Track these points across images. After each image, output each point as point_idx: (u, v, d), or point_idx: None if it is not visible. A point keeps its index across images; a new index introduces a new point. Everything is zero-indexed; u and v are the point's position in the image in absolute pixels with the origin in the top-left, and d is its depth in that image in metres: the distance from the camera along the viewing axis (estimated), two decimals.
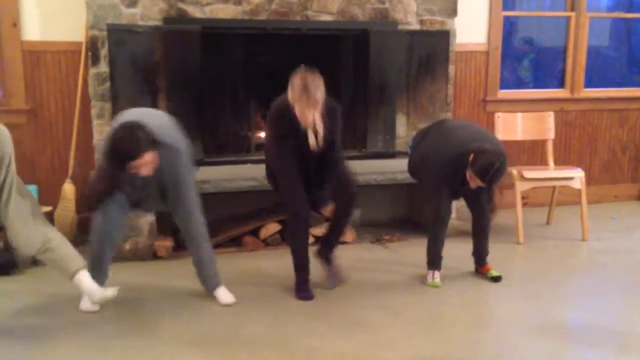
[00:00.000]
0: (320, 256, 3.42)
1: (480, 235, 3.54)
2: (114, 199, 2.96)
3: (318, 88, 3.00)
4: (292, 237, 3.29)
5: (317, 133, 3.04)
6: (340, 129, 3.24)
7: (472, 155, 3.13)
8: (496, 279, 3.47)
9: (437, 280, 3.40)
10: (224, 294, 3.17)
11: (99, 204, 2.95)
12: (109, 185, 2.90)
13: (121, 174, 2.88)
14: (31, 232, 2.78)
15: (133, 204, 3.08)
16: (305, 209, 3.21)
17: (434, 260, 3.44)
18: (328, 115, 3.09)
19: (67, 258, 2.88)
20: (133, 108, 3.18)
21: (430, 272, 3.43)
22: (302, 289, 3.24)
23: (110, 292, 2.95)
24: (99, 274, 3.03)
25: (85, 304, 3.03)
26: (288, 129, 3.08)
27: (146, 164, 2.82)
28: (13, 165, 2.74)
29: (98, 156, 2.97)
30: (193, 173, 3.15)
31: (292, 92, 3.02)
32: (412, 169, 3.58)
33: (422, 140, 3.50)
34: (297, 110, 3.01)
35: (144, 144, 2.79)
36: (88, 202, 3.01)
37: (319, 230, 4.05)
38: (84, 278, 2.90)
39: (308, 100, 2.97)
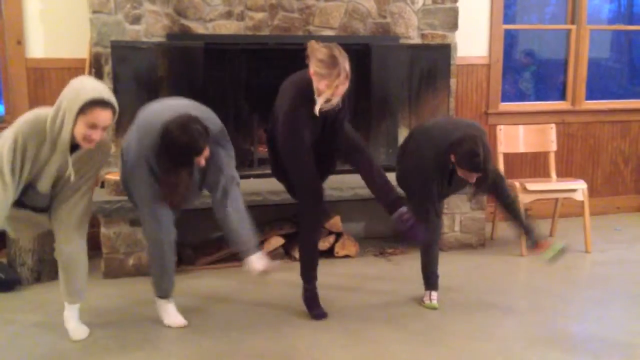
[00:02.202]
0: (389, 209, 3.13)
1: (512, 214, 3.29)
2: (160, 204, 2.88)
3: (346, 59, 2.79)
4: (307, 227, 3.10)
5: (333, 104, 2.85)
6: (346, 107, 3.08)
7: (452, 155, 3.00)
8: (563, 250, 3.22)
9: (435, 302, 3.31)
10: (258, 259, 2.99)
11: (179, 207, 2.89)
12: (187, 186, 2.82)
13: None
14: (74, 243, 2.78)
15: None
16: (321, 188, 3.04)
17: (429, 280, 3.35)
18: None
19: (80, 279, 2.88)
20: (158, 102, 3.08)
21: (428, 293, 3.34)
22: (314, 305, 3.16)
23: (83, 334, 2.93)
24: (168, 283, 3.04)
25: (170, 320, 3.06)
26: (308, 113, 2.86)
27: (206, 156, 2.79)
28: (93, 180, 2.80)
29: (131, 157, 2.85)
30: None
31: (318, 67, 2.77)
32: (399, 182, 3.42)
33: (403, 152, 3.37)
34: (324, 85, 2.76)
35: (205, 136, 2.75)
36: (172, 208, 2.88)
37: (322, 244, 4.05)
38: (74, 315, 2.93)
39: (339, 74, 2.74)
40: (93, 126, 2.54)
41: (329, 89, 2.77)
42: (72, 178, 2.64)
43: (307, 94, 2.86)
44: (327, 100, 2.81)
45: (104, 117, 2.54)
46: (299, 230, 3.13)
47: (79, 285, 2.89)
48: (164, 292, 3.07)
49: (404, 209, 3.05)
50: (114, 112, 2.59)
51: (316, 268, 3.19)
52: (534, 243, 3.28)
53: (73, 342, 2.88)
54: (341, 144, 3.12)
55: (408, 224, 3.03)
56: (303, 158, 2.96)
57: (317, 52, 2.82)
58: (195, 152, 2.75)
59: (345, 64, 2.78)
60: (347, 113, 3.12)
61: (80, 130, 2.53)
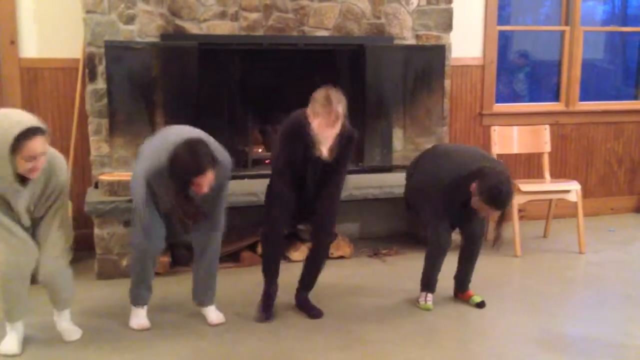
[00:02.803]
0: (298, 304, 3.29)
1: (468, 260, 3.38)
2: (152, 214, 2.91)
3: (340, 102, 2.90)
4: (265, 240, 3.19)
5: (330, 150, 2.96)
6: (348, 161, 3.17)
7: (475, 184, 2.97)
8: (480, 305, 3.31)
9: (430, 303, 3.29)
10: (214, 313, 3.15)
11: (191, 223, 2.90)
12: (190, 205, 2.82)
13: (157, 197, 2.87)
14: (51, 259, 2.77)
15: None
16: (280, 229, 3.15)
17: (429, 284, 3.33)
18: (343, 140, 2.99)
19: (65, 291, 2.89)
20: (171, 126, 3.15)
21: (423, 294, 3.33)
22: (265, 306, 3.17)
23: (76, 335, 2.94)
24: (145, 292, 3.07)
25: (135, 323, 3.07)
26: (298, 148, 2.99)
27: (209, 181, 2.77)
28: (64, 196, 2.79)
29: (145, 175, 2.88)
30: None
31: (313, 105, 2.91)
32: (409, 199, 3.43)
33: (416, 167, 3.37)
34: (315, 124, 2.90)
35: (210, 160, 2.75)
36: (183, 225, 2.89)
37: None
38: (65, 318, 2.93)
39: (329, 114, 2.86)
40: (31, 159, 2.51)
41: (320, 127, 2.89)
42: (32, 208, 2.70)
43: (299, 129, 2.97)
44: (319, 148, 2.93)
45: (37, 145, 2.50)
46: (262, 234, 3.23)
47: (65, 296, 2.90)
48: (136, 301, 3.08)
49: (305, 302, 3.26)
50: (45, 134, 2.55)
51: (276, 271, 3.20)
52: (463, 293, 3.41)
53: (66, 344, 2.87)
54: (317, 196, 3.16)
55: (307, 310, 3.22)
56: (277, 198, 3.08)
57: (316, 93, 2.94)
58: (195, 172, 2.72)
59: (338, 107, 2.88)
60: (344, 166, 3.14)
61: (22, 166, 2.52)
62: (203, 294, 3.16)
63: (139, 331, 3.02)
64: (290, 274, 3.30)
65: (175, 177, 2.75)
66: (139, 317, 3.07)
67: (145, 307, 3.10)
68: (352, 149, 3.14)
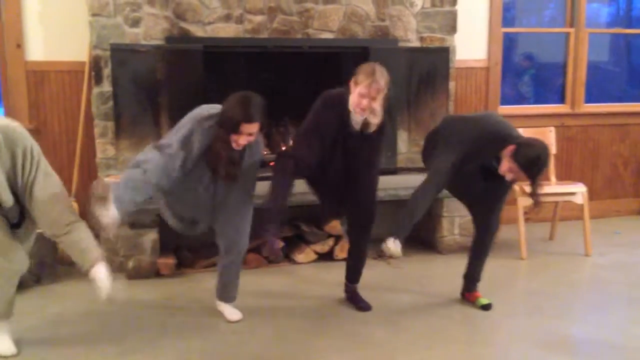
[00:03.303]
0: (347, 297, 3.36)
1: (479, 255, 3.33)
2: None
3: (384, 78, 2.87)
4: (277, 171, 3.00)
5: (367, 124, 2.92)
6: (380, 152, 3.14)
7: (512, 147, 2.92)
8: (486, 307, 3.28)
9: (399, 248, 2.92)
10: (231, 310, 3.17)
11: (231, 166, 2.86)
12: (230, 159, 2.82)
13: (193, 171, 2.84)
14: (57, 209, 2.70)
15: (185, 223, 3.05)
16: (304, 159, 2.96)
17: (403, 228, 2.99)
18: (378, 127, 2.96)
19: (86, 247, 2.73)
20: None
21: (392, 238, 2.94)
22: (274, 247, 3.11)
23: (122, 293, 2.88)
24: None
25: (232, 315, 3.11)
26: (331, 119, 2.93)
27: (251, 135, 2.79)
28: (37, 156, 2.68)
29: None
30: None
31: (358, 73, 2.88)
32: (426, 151, 3.31)
33: (446, 123, 3.25)
34: (357, 93, 2.85)
35: (261, 113, 2.80)
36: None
37: (321, 247, 4.05)
38: (101, 271, 2.70)
39: (371, 85, 2.82)
40: None
41: (355, 96, 2.85)
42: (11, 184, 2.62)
43: (339, 108, 2.92)
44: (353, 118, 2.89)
45: None
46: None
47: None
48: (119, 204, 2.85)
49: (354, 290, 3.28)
50: None
51: (283, 209, 2.97)
52: (470, 292, 3.37)
53: (69, 347, 2.87)
54: (356, 200, 3.12)
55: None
56: (283, 170, 2.97)
57: (363, 65, 2.92)
58: (246, 118, 2.74)
59: (381, 79, 2.85)
60: (377, 157, 3.10)
61: None
62: (230, 290, 3.18)
63: (141, 333, 3.02)
64: (295, 276, 3.30)
65: (225, 120, 2.77)
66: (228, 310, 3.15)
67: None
68: (386, 134, 3.08)
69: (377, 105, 2.88)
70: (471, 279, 3.39)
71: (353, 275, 3.35)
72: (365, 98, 2.84)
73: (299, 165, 2.94)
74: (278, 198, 2.91)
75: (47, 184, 2.70)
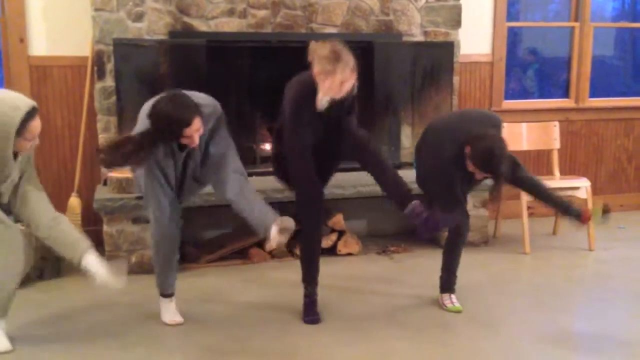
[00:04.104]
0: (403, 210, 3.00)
1: (449, 255, 3.27)
2: (165, 195, 2.86)
3: (349, 53, 2.73)
4: (306, 227, 2.99)
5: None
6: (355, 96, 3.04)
7: (468, 147, 2.91)
8: (605, 210, 3.21)
9: (457, 304, 3.21)
10: (278, 232, 2.87)
11: (115, 163, 2.73)
12: (147, 151, 2.68)
13: (159, 162, 2.81)
14: (42, 206, 2.75)
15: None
16: (320, 190, 2.97)
17: (449, 283, 3.23)
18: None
19: (75, 237, 2.77)
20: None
21: (447, 295, 3.22)
22: (311, 311, 3.10)
23: (120, 281, 2.78)
24: (171, 275, 3.04)
25: (168, 318, 3.07)
26: (311, 113, 2.84)
27: (197, 130, 2.71)
28: (32, 160, 2.79)
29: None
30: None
31: (322, 64, 2.70)
32: (420, 183, 3.33)
33: (421, 151, 3.27)
34: (329, 83, 2.70)
35: (194, 108, 2.69)
36: (106, 156, 2.68)
37: (324, 242, 4.05)
38: (92, 259, 2.74)
39: (344, 69, 2.68)
40: (33, 137, 2.61)
41: (334, 85, 2.72)
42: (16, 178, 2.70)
43: (309, 93, 2.82)
44: (331, 98, 2.78)
45: (38, 126, 2.60)
46: (301, 230, 3.07)
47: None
48: (164, 289, 3.07)
49: (416, 202, 2.91)
50: (38, 113, 2.61)
51: (317, 270, 3.10)
52: (578, 217, 3.23)
53: (71, 341, 2.88)
54: (347, 143, 3.05)
55: (422, 217, 2.89)
56: (302, 158, 2.92)
57: (318, 51, 2.76)
58: (184, 123, 2.65)
59: (349, 58, 2.73)
60: (354, 110, 3.08)
61: (23, 146, 2.60)
62: (269, 217, 2.88)
63: (143, 327, 3.02)
64: (298, 271, 3.29)
65: (163, 133, 2.68)
66: (170, 312, 3.07)
67: (174, 299, 3.10)
68: (355, 87, 2.95)
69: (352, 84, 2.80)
70: (566, 207, 3.28)
71: (397, 190, 3.02)
72: (346, 82, 2.73)
73: (321, 197, 2.97)
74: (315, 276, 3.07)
75: (33, 180, 2.77)
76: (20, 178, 2.72)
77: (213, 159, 2.92)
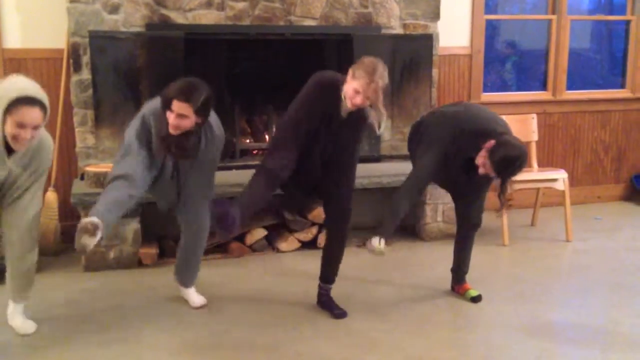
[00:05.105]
0: (321, 302, 3.19)
1: (462, 248, 3.33)
2: (140, 155, 2.85)
3: (383, 78, 2.77)
4: (250, 185, 2.89)
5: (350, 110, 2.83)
6: (361, 141, 3.08)
7: (492, 142, 2.87)
8: (475, 299, 3.26)
9: (383, 246, 2.89)
10: (196, 296, 3.21)
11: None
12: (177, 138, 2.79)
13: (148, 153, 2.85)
14: (28, 247, 2.76)
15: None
16: (281, 168, 2.85)
17: (387, 228, 2.97)
18: (361, 119, 2.90)
19: (26, 281, 2.85)
20: None
21: (377, 238, 2.90)
22: (333, 305, 3.12)
23: (29, 329, 2.88)
24: (101, 205, 2.78)
25: (197, 301, 3.15)
26: (321, 107, 2.84)
27: (182, 114, 2.71)
28: (44, 179, 2.76)
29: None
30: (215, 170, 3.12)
31: (357, 67, 2.76)
32: (411, 143, 3.27)
33: (433, 113, 3.20)
34: (352, 87, 2.75)
35: (198, 95, 2.74)
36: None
37: (304, 235, 4.05)
38: (18, 312, 2.88)
39: (369, 84, 2.72)
40: (21, 125, 2.46)
41: (350, 89, 2.76)
42: (6, 185, 2.65)
43: (332, 89, 2.83)
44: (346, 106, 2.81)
45: (31, 115, 2.46)
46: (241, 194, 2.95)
47: (30, 288, 2.88)
48: (93, 212, 2.79)
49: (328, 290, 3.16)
50: (43, 111, 2.52)
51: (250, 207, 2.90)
52: (460, 285, 3.36)
53: (50, 337, 2.85)
54: (332, 184, 3.01)
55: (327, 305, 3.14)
56: (284, 145, 2.87)
57: (363, 59, 2.82)
58: (180, 95, 2.71)
59: (380, 80, 2.76)
60: (357, 146, 3.04)
61: (10, 130, 2.47)
62: (191, 275, 3.21)
63: (123, 322, 3.00)
64: (279, 264, 3.30)
65: (162, 97, 2.77)
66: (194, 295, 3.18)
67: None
68: (364, 129, 2.99)
69: (380, 104, 2.81)
70: (458, 272, 3.39)
71: (329, 273, 3.17)
72: (359, 95, 2.76)
73: (281, 177, 2.88)
74: (250, 207, 2.87)
75: (35, 202, 2.75)
76: (25, 190, 2.68)
77: (191, 189, 3.00)
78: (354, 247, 4.18)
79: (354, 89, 2.75)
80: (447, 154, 3.01)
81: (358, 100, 2.76)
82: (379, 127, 2.90)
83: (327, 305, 3.15)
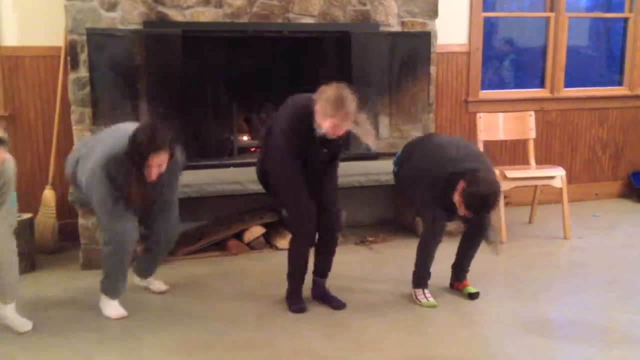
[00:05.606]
0: (316, 296, 3.23)
1: (467, 250, 3.33)
2: (126, 215, 2.94)
3: (354, 102, 2.82)
4: (295, 256, 3.08)
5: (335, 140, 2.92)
6: (343, 147, 3.17)
7: (463, 183, 2.91)
8: (473, 296, 3.26)
9: (432, 299, 3.18)
10: (157, 282, 3.35)
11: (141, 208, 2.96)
12: (140, 189, 2.85)
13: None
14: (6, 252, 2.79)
15: None
16: (314, 229, 3.04)
17: (422, 278, 3.22)
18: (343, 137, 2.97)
19: (13, 284, 2.85)
20: (116, 125, 3.13)
21: (420, 290, 3.21)
22: (297, 300, 3.13)
23: (27, 327, 2.89)
24: (124, 284, 3.08)
25: (111, 311, 3.05)
26: (304, 138, 2.89)
27: (161, 164, 2.82)
28: (10, 190, 2.78)
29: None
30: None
31: (325, 104, 2.79)
32: (401, 186, 3.37)
33: (411, 155, 3.25)
34: (328, 124, 2.79)
35: (168, 141, 2.82)
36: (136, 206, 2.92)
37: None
38: (10, 311, 2.87)
39: (345, 116, 2.78)
40: None
41: (328, 127, 2.80)
42: None
43: (306, 119, 2.86)
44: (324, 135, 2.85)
45: None
46: (291, 243, 3.11)
47: (14, 289, 2.88)
48: (117, 294, 3.08)
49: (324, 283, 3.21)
50: (4, 145, 2.61)
51: (306, 270, 3.13)
52: (459, 282, 3.37)
53: (48, 335, 2.84)
54: (321, 191, 3.07)
55: (323, 296, 3.19)
56: (295, 184, 2.96)
57: (326, 92, 2.83)
58: (154, 148, 2.77)
59: (351, 108, 2.80)
60: (342, 152, 3.16)
61: None
62: (152, 270, 3.33)
63: (121, 321, 3.00)
64: (277, 262, 3.30)
65: (133, 153, 2.78)
66: (115, 307, 3.06)
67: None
68: (343, 150, 3.14)
69: (362, 124, 2.91)
70: (459, 269, 3.39)
71: (323, 268, 3.21)
72: (339, 128, 2.81)
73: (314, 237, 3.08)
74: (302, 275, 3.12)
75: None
76: None
77: (163, 198, 3.09)
78: (352, 245, 4.18)
79: (332, 125, 2.80)
80: (439, 199, 3.07)
81: (340, 132, 2.84)
82: (372, 144, 2.98)
83: (325, 298, 3.19)
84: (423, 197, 3.13)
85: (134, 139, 2.80)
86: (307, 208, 2.98)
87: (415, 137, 3.45)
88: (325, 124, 2.80)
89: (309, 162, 2.98)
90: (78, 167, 3.01)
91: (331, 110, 2.77)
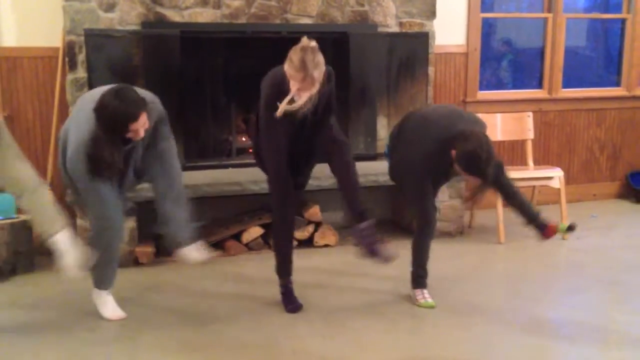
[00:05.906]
0: (353, 226, 3.06)
1: (520, 205, 3.32)
2: (111, 191, 2.82)
3: (317, 67, 2.75)
4: (278, 226, 3.08)
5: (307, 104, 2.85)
6: (334, 94, 3.07)
7: (454, 152, 2.87)
8: (572, 228, 3.30)
9: (430, 299, 3.17)
10: (196, 252, 3.01)
11: (100, 174, 2.74)
12: (114, 154, 2.71)
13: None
14: (23, 170, 2.72)
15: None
16: (290, 187, 3.00)
17: (420, 278, 3.22)
18: (323, 85, 2.88)
19: (55, 212, 2.71)
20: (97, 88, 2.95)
21: (419, 291, 3.20)
22: (290, 300, 3.14)
23: (81, 270, 2.75)
24: (113, 273, 3.00)
25: (110, 313, 3.02)
26: (281, 100, 2.83)
27: (144, 124, 2.71)
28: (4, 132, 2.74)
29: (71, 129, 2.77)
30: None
31: (289, 67, 2.77)
32: (392, 174, 3.34)
33: (398, 141, 3.22)
34: (292, 87, 2.77)
35: (140, 103, 2.70)
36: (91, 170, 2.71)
37: (301, 234, 4.05)
38: (64, 239, 2.70)
39: (304, 79, 2.73)
40: None
41: (294, 88, 2.78)
42: None
43: (283, 85, 2.83)
44: (292, 102, 2.80)
45: None
46: (273, 224, 3.11)
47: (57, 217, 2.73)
48: (104, 284, 3.02)
49: (365, 224, 3.00)
50: None
51: (291, 262, 3.15)
52: (542, 230, 3.31)
53: (47, 335, 2.84)
54: (322, 145, 3.07)
55: (366, 240, 3.00)
56: (275, 153, 2.94)
57: (292, 53, 2.81)
58: (131, 118, 2.65)
59: (314, 72, 2.74)
60: (332, 109, 3.08)
61: None
62: (186, 235, 2.98)
63: (120, 321, 3.00)
64: (274, 262, 3.29)
65: (110, 131, 2.66)
66: (111, 306, 3.03)
67: (111, 293, 3.06)
68: (334, 81, 3.01)
69: (314, 93, 2.83)
70: (532, 219, 3.35)
71: (354, 203, 3.06)
72: (303, 91, 2.78)
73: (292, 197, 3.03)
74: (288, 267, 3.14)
75: (12, 148, 2.75)
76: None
77: (157, 152, 2.94)
78: (351, 246, 4.18)
79: (296, 89, 2.77)
80: (429, 170, 3.05)
81: (305, 94, 2.78)
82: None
83: (374, 249, 3.04)
84: (414, 183, 3.09)
85: (103, 114, 2.65)
86: (281, 178, 2.96)
87: (397, 123, 3.36)
88: (293, 88, 2.78)
89: (297, 128, 2.96)
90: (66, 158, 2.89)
91: (292, 71, 2.75)
